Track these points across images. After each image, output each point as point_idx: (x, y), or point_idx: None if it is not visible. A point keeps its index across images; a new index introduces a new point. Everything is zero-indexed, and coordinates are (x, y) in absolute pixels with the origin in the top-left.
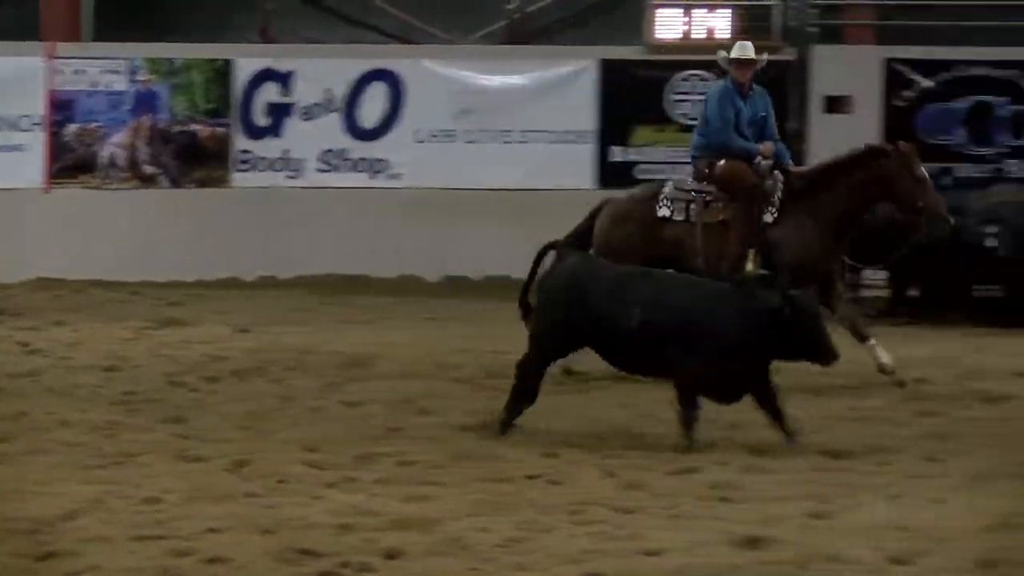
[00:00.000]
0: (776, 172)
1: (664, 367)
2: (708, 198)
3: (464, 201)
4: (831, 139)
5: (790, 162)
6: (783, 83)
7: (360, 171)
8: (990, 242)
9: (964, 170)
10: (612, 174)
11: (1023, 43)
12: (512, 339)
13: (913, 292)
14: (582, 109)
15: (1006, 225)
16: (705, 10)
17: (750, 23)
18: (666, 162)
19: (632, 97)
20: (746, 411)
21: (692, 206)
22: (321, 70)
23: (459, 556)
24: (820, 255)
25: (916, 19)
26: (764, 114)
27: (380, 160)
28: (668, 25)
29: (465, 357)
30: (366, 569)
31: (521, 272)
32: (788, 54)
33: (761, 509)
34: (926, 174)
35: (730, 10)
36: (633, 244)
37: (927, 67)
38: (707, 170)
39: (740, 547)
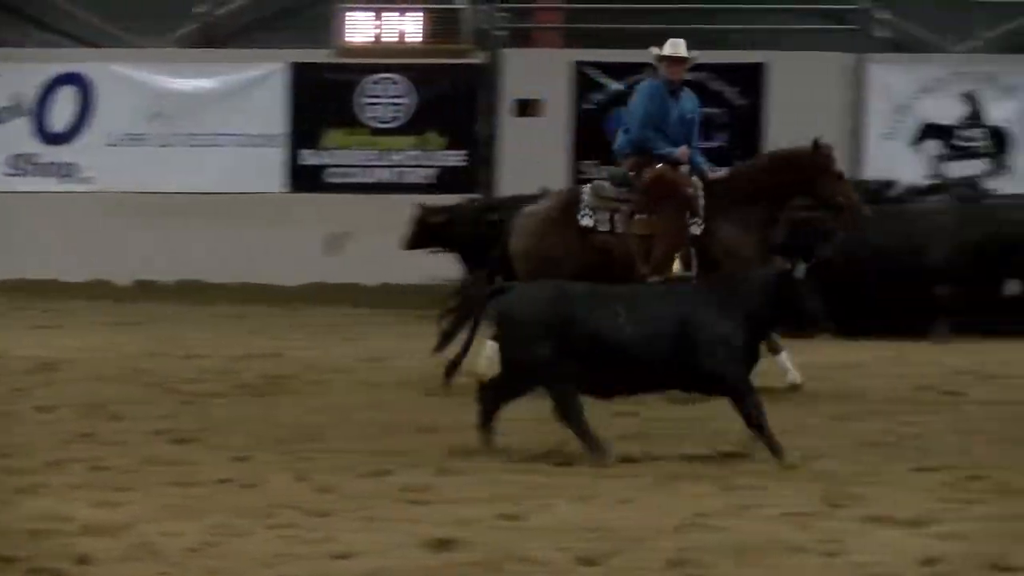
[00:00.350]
0: (695, 179)
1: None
2: (633, 207)
3: (155, 205)
4: (522, 142)
5: (706, 168)
6: (473, 87)
7: (50, 175)
8: None
9: None
10: (303, 177)
11: (711, 46)
12: (204, 343)
13: None
14: (272, 112)
15: None
16: (395, 13)
17: (440, 26)
18: (357, 165)
19: (322, 100)
20: (445, 414)
21: (616, 215)
22: (10, 74)
23: (150, 561)
24: (756, 263)
25: (604, 23)
26: (692, 115)
27: (70, 164)
28: (358, 28)
29: (156, 361)
30: (58, 575)
31: (215, 275)
32: (478, 58)
33: (452, 511)
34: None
35: (420, 13)
36: (558, 255)
37: (616, 70)
38: (634, 174)
39: (432, 549)
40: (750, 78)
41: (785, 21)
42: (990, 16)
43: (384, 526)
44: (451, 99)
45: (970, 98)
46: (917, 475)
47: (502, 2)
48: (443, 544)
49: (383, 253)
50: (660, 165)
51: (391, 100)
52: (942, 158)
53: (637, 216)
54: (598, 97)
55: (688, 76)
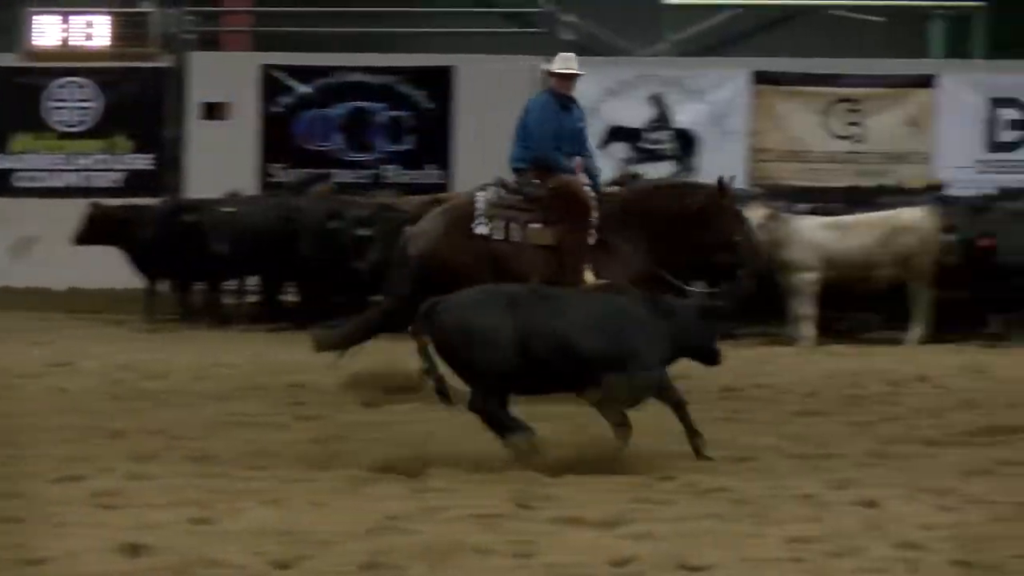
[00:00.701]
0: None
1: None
2: (528, 217)
3: None
4: (210, 145)
5: (599, 178)
6: (160, 90)
7: None
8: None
9: (343, 176)
10: None
11: (399, 49)
12: None
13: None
14: None
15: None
16: (82, 17)
17: (128, 30)
18: (45, 169)
19: (9, 104)
20: (133, 418)
21: (512, 224)
22: None
23: None
24: (638, 280)
25: (292, 26)
26: (582, 126)
27: None
28: (45, 32)
29: None
30: None
31: None
32: (165, 61)
33: (144, 516)
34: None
35: (108, 17)
36: (462, 261)
37: (304, 73)
38: (536, 184)
39: (123, 554)
40: (438, 81)
41: (472, 24)
42: (677, 19)
43: (76, 531)
44: (138, 102)
45: (657, 101)
46: (608, 476)
47: (189, 5)
48: (135, 549)
49: (71, 257)
50: (562, 175)
51: (78, 104)
52: (629, 160)
53: (531, 226)
54: (286, 100)
55: (374, 80)
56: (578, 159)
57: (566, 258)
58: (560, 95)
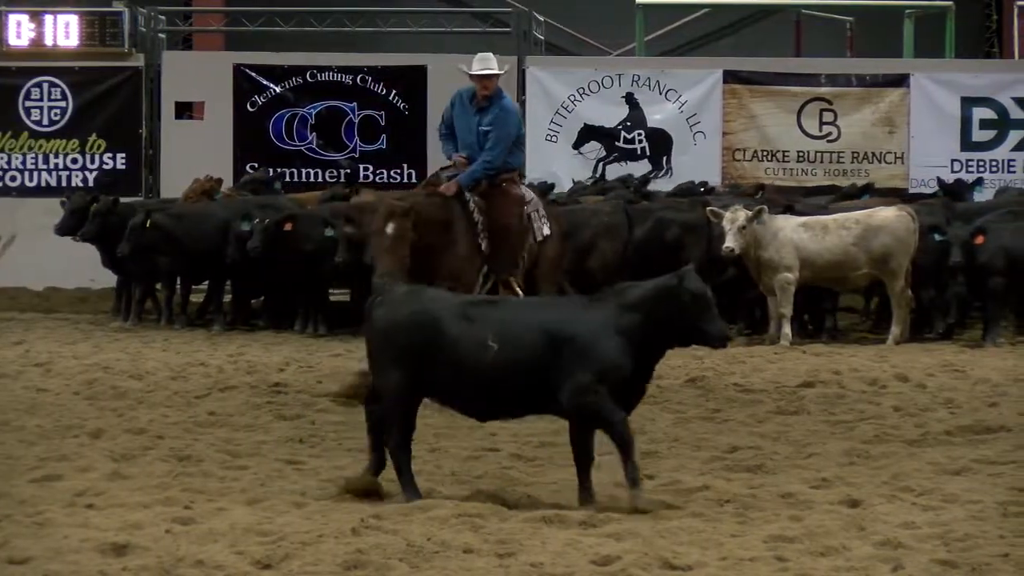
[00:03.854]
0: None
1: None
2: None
3: None
4: (183, 144)
5: (472, 181)
6: (134, 89)
7: None
8: None
9: (317, 175)
10: None
11: (373, 49)
12: None
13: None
14: None
15: None
16: (56, 16)
17: (100, 30)
18: (19, 168)
19: None
20: (113, 418)
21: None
22: None
23: None
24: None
25: (264, 25)
26: (486, 129)
27: None
28: (18, 32)
29: None
30: None
31: None
32: (138, 60)
33: (125, 515)
34: None
35: (81, 17)
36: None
37: (277, 73)
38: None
39: (106, 554)
40: (412, 81)
41: (445, 24)
42: (651, 19)
43: (58, 531)
44: (112, 102)
45: (630, 100)
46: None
47: (161, 5)
48: (118, 548)
49: (47, 256)
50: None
51: (52, 103)
52: (603, 160)
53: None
54: (259, 99)
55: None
56: (460, 155)
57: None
58: (476, 94)
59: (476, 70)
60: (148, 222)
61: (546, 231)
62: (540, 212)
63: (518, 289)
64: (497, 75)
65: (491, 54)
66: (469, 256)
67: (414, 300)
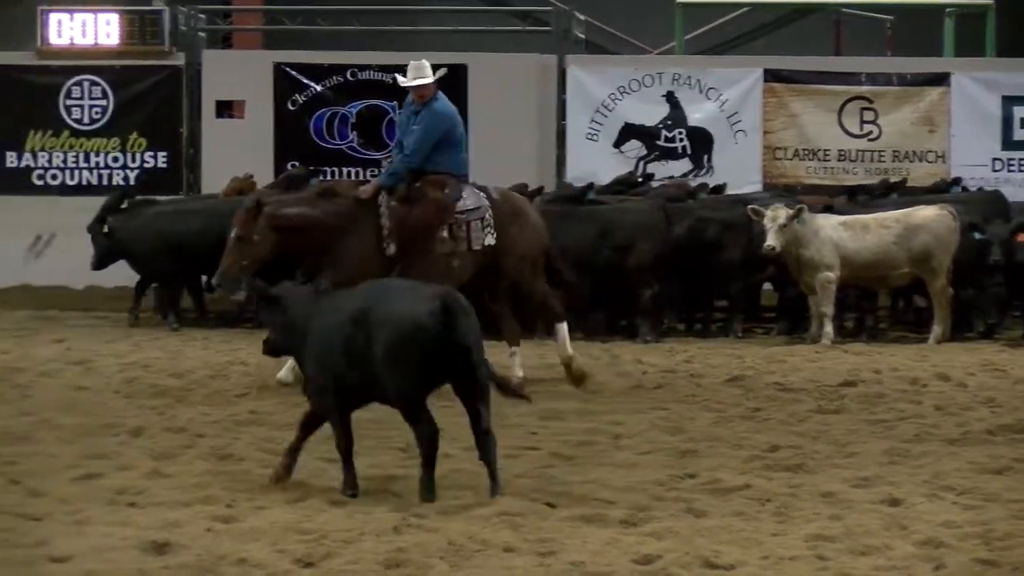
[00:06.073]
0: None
1: None
2: None
3: None
4: (224, 143)
5: (391, 181)
6: (174, 88)
7: None
8: None
9: (358, 173)
10: (7, 179)
11: (411, 48)
12: None
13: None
14: None
15: None
16: (97, 15)
17: (141, 28)
18: (61, 167)
19: (24, 102)
20: (152, 416)
21: None
22: None
23: None
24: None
25: (303, 24)
26: (414, 128)
27: None
28: (59, 30)
29: None
30: None
31: None
32: (178, 59)
33: (166, 514)
34: None
35: (121, 15)
36: None
37: (318, 72)
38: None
39: (147, 552)
40: (451, 80)
41: (484, 23)
42: (690, 17)
43: (98, 529)
44: (152, 100)
45: (670, 99)
46: (630, 475)
47: (202, 4)
48: (158, 547)
49: (88, 255)
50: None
51: (92, 102)
52: (644, 159)
53: None
54: (300, 98)
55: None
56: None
57: None
58: (416, 101)
59: (409, 80)
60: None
61: (488, 241)
62: (485, 220)
63: None
64: (428, 84)
65: (425, 61)
66: (371, 259)
67: None
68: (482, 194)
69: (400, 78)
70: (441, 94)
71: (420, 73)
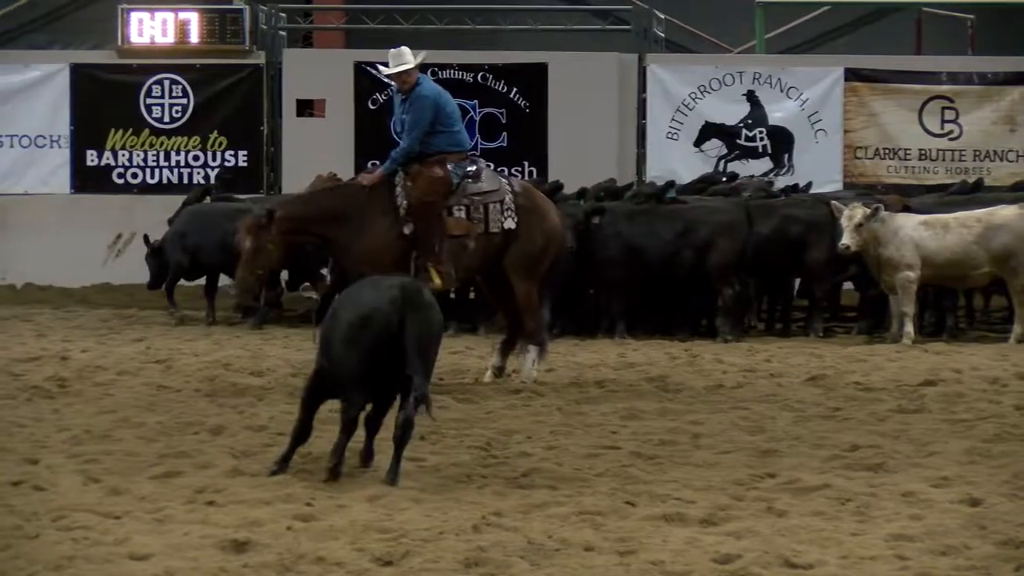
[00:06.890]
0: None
1: None
2: None
3: None
4: (304, 142)
5: (392, 169)
6: (255, 87)
7: None
8: None
9: None
10: (88, 177)
11: (492, 47)
12: None
13: None
14: (56, 113)
15: None
16: (177, 14)
17: (221, 27)
18: (142, 165)
19: (105, 101)
20: (232, 415)
21: None
22: None
23: None
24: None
25: (383, 23)
26: (404, 116)
27: None
28: (139, 29)
29: None
30: None
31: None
32: (258, 58)
33: (245, 512)
34: None
35: (202, 14)
36: None
37: None
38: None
39: (226, 551)
40: (533, 79)
41: (564, 22)
42: (771, 16)
43: (178, 528)
44: (233, 99)
45: (751, 98)
46: (710, 474)
47: (282, 3)
48: (238, 545)
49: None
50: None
51: (173, 101)
52: (724, 158)
53: None
54: (380, 97)
55: (468, 77)
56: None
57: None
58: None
59: (391, 69)
60: None
61: (508, 224)
62: (505, 204)
63: (436, 278)
64: (409, 69)
65: (405, 48)
66: (385, 241)
67: None
68: (503, 180)
69: (382, 68)
70: (424, 77)
71: (400, 60)
